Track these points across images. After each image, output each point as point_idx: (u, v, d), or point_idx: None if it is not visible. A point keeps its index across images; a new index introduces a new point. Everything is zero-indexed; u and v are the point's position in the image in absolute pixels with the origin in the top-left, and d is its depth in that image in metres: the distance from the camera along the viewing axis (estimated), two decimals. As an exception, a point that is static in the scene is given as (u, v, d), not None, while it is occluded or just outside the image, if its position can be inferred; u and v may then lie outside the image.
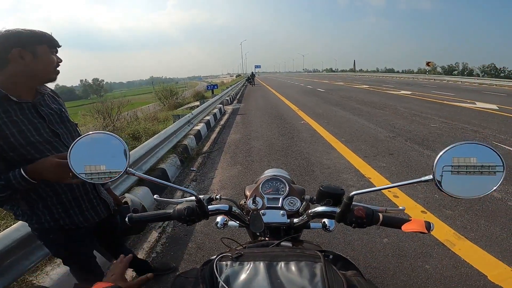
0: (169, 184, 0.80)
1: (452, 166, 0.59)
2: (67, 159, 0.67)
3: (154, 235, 2.46)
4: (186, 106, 12.21)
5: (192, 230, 2.48)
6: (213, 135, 6.55)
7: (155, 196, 0.96)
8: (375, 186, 0.72)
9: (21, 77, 0.98)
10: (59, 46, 1.04)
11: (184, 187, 0.82)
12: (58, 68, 1.04)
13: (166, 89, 13.34)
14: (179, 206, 0.77)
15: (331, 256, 0.69)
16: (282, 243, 0.72)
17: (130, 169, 0.69)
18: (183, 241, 2.37)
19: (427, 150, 4.50)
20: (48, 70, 1.02)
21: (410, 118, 7.20)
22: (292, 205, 0.88)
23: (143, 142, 3.87)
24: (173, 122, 5.34)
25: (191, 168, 4.30)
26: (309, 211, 0.78)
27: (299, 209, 0.88)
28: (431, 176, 0.60)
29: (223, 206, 0.81)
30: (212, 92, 13.15)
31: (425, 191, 3.04)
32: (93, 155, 0.68)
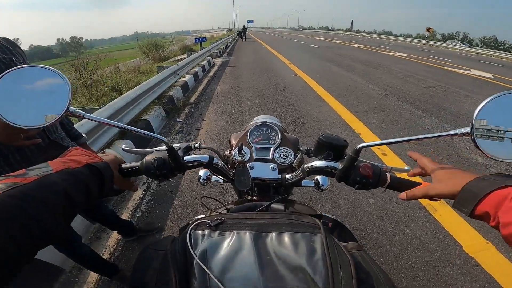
0: (126, 127, 0.60)
1: (491, 125, 0.45)
2: None
3: (138, 192, 2.33)
4: (173, 59, 11.51)
5: (177, 186, 2.38)
6: (201, 86, 6.26)
7: (123, 146, 0.78)
8: (393, 139, 0.56)
9: None
10: None
11: (159, 134, 0.72)
12: None
13: (151, 43, 12.39)
14: (148, 157, 0.61)
15: (330, 224, 0.59)
16: (273, 205, 0.61)
17: (74, 108, 0.53)
18: (168, 198, 2.26)
19: (418, 110, 4.45)
20: None
21: (403, 79, 7.06)
22: (284, 157, 0.75)
23: (124, 93, 3.60)
24: (158, 74, 5.01)
25: (177, 119, 4.12)
26: (305, 165, 0.65)
27: (292, 162, 0.75)
28: (468, 129, 0.47)
29: (203, 157, 0.66)
30: (201, 45, 12.40)
31: (412, 150, 3.01)
32: (24, 96, 0.52)
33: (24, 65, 0.54)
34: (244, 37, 26.46)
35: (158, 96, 4.34)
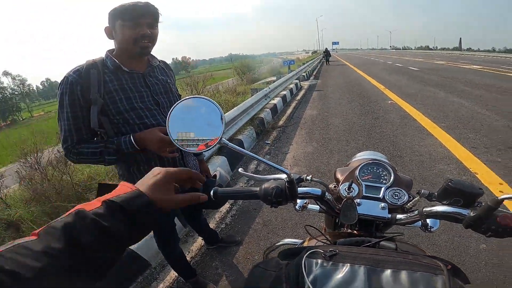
0: (267, 162, 0.67)
1: None
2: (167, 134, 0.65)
3: (225, 205, 2.59)
4: (262, 80, 12.37)
5: (261, 205, 2.50)
6: (289, 110, 6.45)
7: (240, 170, 0.89)
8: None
9: (118, 50, 1.08)
10: (137, 19, 0.99)
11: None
12: (145, 41, 1.02)
13: (244, 65, 13.70)
14: (266, 185, 0.67)
15: (449, 266, 0.54)
16: (383, 243, 0.59)
17: (224, 139, 0.62)
18: (251, 215, 2.40)
19: None
20: (125, 43, 1.03)
21: (544, 107, 5.50)
22: (396, 198, 0.71)
23: (224, 113, 4.07)
24: (251, 96, 5.46)
25: (266, 141, 4.34)
26: (425, 209, 0.61)
27: (405, 203, 0.71)
28: None
29: (315, 190, 0.70)
30: (289, 68, 12.92)
31: None
32: (189, 121, 0.64)
33: (195, 96, 0.67)
34: (327, 61, 24.61)
35: (251, 117, 4.67)
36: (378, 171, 0.79)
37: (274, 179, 0.70)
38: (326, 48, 28.00)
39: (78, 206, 0.39)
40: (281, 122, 5.40)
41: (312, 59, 25.53)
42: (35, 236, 0.35)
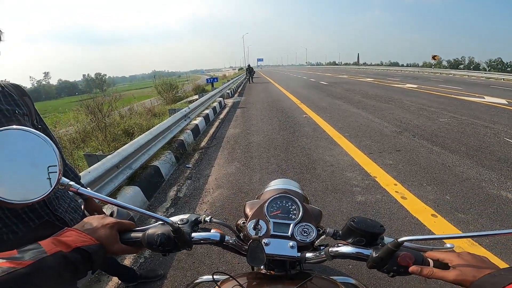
0: (123, 205, 0.58)
1: None
2: None
3: None
4: (186, 100, 12.00)
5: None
6: (212, 130, 6.35)
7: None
8: (438, 234, 0.59)
9: None
10: None
11: (161, 214, 0.71)
12: None
13: (166, 83, 13.08)
14: (151, 231, 0.60)
15: None
16: None
17: (67, 180, 0.50)
18: None
19: (437, 147, 4.24)
20: None
21: (417, 112, 6.92)
22: (305, 234, 0.69)
23: (133, 139, 3.66)
24: (169, 117, 5.14)
25: (187, 165, 4.11)
26: (330, 249, 0.62)
27: (313, 241, 0.68)
28: None
29: (213, 234, 0.65)
30: (212, 86, 12.95)
31: (435, 192, 2.83)
32: (11, 163, 0.46)
33: (8, 128, 0.46)
34: (250, 79, 21.88)
35: (168, 141, 4.36)
36: (287, 205, 0.76)
37: (162, 223, 0.61)
38: (249, 64, 23.52)
39: (57, 248, 0.43)
40: (203, 144, 5.23)
41: (237, 76, 26.30)
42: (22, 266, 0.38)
